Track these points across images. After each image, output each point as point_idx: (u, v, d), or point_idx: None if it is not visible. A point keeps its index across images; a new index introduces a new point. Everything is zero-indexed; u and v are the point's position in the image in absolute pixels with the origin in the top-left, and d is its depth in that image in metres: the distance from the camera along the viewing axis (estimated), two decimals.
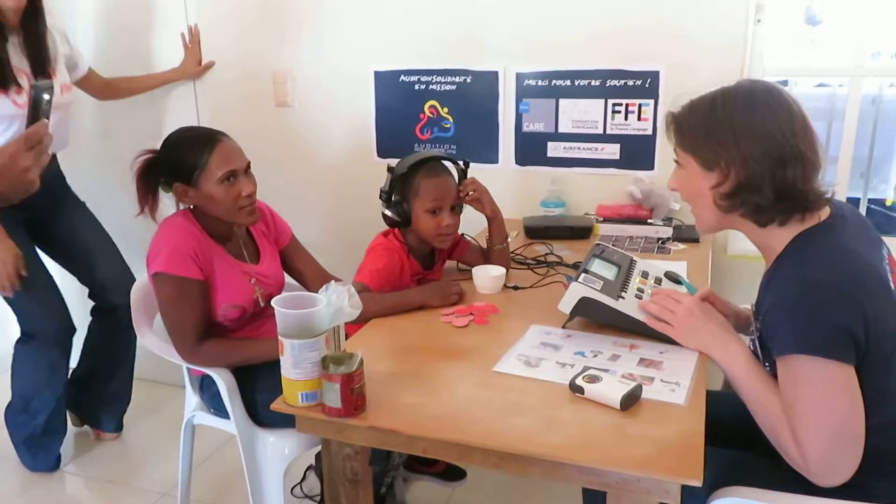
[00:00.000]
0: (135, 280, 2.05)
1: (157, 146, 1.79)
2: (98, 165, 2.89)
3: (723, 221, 1.32)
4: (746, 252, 2.29)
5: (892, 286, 1.24)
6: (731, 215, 1.28)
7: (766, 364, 1.30)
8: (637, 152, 2.39)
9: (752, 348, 1.36)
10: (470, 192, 1.88)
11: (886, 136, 2.99)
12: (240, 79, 2.77)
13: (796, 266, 1.21)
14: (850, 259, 1.19)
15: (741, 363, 1.29)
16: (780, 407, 1.21)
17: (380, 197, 1.84)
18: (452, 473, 2.25)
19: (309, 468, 2.30)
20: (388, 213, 1.82)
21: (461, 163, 1.92)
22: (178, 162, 1.72)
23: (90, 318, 2.61)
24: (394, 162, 1.85)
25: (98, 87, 2.59)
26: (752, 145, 1.21)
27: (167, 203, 1.82)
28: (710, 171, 1.27)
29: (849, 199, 2.54)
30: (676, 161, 1.37)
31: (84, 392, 2.64)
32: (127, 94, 2.70)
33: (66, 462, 2.54)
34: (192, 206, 1.78)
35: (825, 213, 1.27)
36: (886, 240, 1.35)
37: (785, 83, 3.02)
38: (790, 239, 1.25)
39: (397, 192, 1.80)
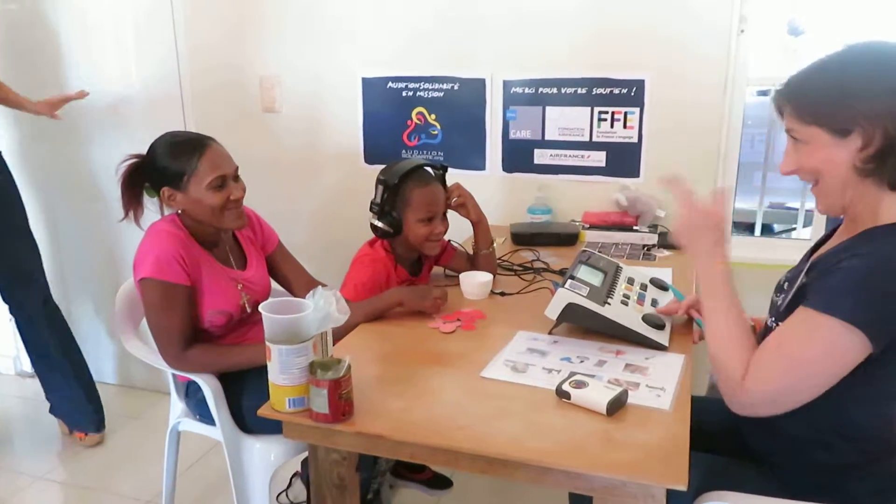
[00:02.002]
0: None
1: (143, 151, 1.79)
2: (83, 171, 2.87)
3: (853, 192, 1.19)
4: (733, 259, 2.31)
5: None
6: (865, 182, 1.17)
7: (778, 323, 1.26)
8: (623, 160, 2.41)
9: (777, 303, 1.33)
10: (455, 199, 1.89)
11: None
12: (227, 84, 2.76)
13: (891, 239, 1.15)
14: None
15: (718, 281, 1.27)
16: (746, 333, 1.20)
17: (371, 209, 1.84)
18: (439, 482, 2.25)
19: (295, 475, 2.29)
20: (378, 223, 1.82)
21: (441, 168, 1.93)
22: (167, 167, 1.71)
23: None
24: (380, 171, 1.85)
25: None
26: (888, 101, 1.10)
27: (151, 209, 1.81)
28: (845, 138, 1.14)
29: None
30: (794, 138, 1.22)
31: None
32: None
33: (50, 469, 2.51)
34: (179, 211, 1.77)
35: None
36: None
37: (767, 93, 3.05)
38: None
39: (388, 202, 1.81)
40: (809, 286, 1.20)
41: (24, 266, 2.52)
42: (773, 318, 1.32)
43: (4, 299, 2.53)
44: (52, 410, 2.69)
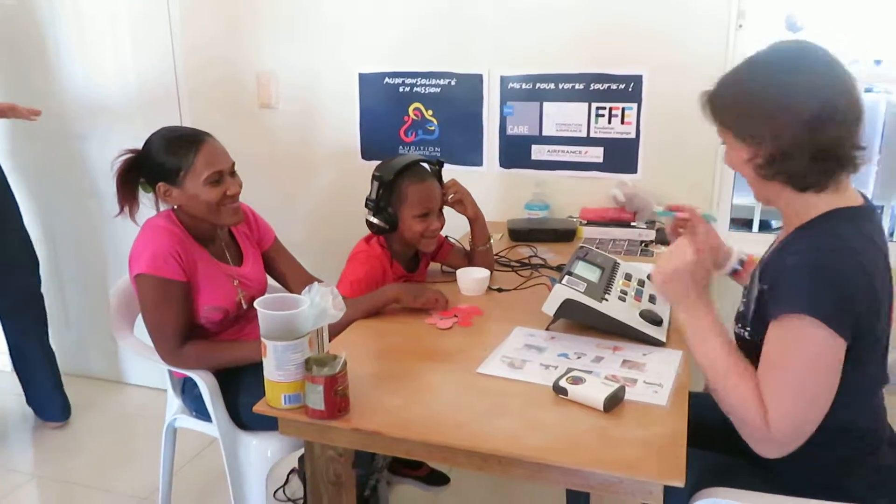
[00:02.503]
0: None
1: (138, 147, 1.78)
2: (78, 167, 2.86)
3: (767, 190, 1.28)
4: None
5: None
6: (772, 183, 1.25)
7: (748, 329, 1.30)
8: (621, 156, 2.40)
9: (742, 309, 1.36)
10: (451, 195, 1.89)
11: (866, 141, 3.04)
12: (223, 80, 2.75)
13: (830, 236, 1.19)
14: (878, 249, 1.21)
15: (707, 323, 1.27)
16: (747, 368, 1.20)
17: (366, 206, 1.83)
18: (436, 478, 2.25)
19: (292, 472, 2.28)
20: (374, 220, 1.82)
21: (437, 164, 1.92)
22: (163, 162, 1.70)
23: None
24: (376, 167, 1.85)
25: None
26: (781, 115, 1.18)
27: (146, 204, 1.80)
28: (745, 144, 1.24)
29: None
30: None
31: None
32: None
33: (46, 467, 2.50)
34: (174, 207, 1.77)
35: (856, 198, 1.26)
36: None
37: None
38: (824, 210, 1.23)
39: (384, 198, 1.80)
40: (768, 295, 1.22)
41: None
42: (740, 326, 1.34)
43: None
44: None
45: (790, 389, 1.14)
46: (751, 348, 1.28)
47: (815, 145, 1.17)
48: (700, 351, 1.26)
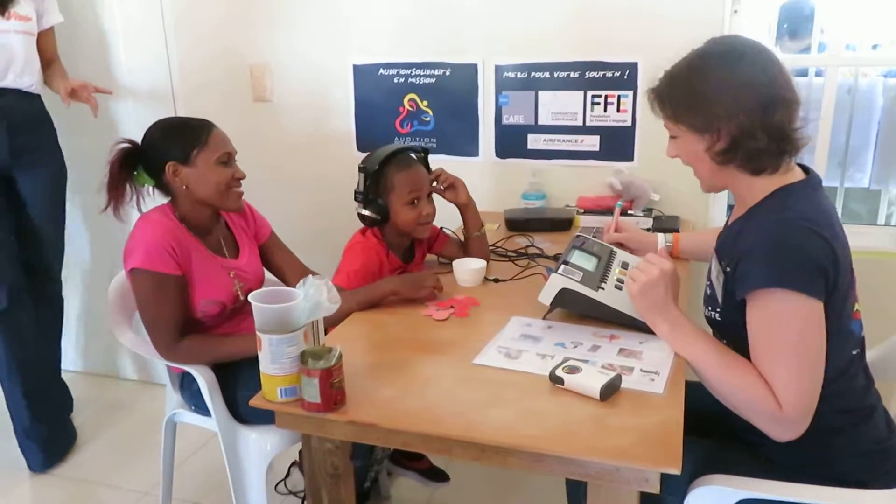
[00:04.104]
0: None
1: (132, 141, 1.77)
2: (72, 162, 2.85)
3: (722, 177, 1.34)
4: None
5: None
6: (728, 168, 1.31)
7: (719, 311, 1.34)
8: (617, 144, 2.40)
9: (709, 292, 1.40)
10: (443, 182, 1.89)
11: (862, 126, 3.03)
12: (217, 73, 2.74)
13: (778, 210, 1.26)
14: (826, 211, 1.27)
15: (690, 326, 1.33)
16: (738, 358, 1.24)
17: (355, 198, 1.83)
18: (435, 474, 2.24)
19: (293, 464, 2.28)
20: (365, 212, 1.82)
21: (422, 151, 1.93)
22: (175, 141, 1.73)
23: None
24: (361, 160, 1.84)
25: (46, 57, 2.44)
26: (736, 101, 1.24)
27: (130, 204, 1.80)
28: (702, 135, 1.29)
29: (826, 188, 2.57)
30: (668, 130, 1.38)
31: None
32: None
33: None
34: (171, 199, 1.77)
35: (800, 173, 1.33)
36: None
37: None
38: (771, 190, 1.30)
39: (372, 189, 1.80)
40: (733, 276, 1.27)
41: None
42: (710, 308, 1.38)
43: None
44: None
45: (788, 363, 1.18)
46: (723, 329, 1.35)
47: (771, 125, 1.24)
48: (692, 354, 1.30)
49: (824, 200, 1.30)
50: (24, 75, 2.29)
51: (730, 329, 1.31)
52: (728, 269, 1.29)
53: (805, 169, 1.35)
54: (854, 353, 1.31)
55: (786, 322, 1.19)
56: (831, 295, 1.20)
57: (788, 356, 1.18)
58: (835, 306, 1.22)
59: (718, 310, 1.34)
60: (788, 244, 1.20)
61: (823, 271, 1.18)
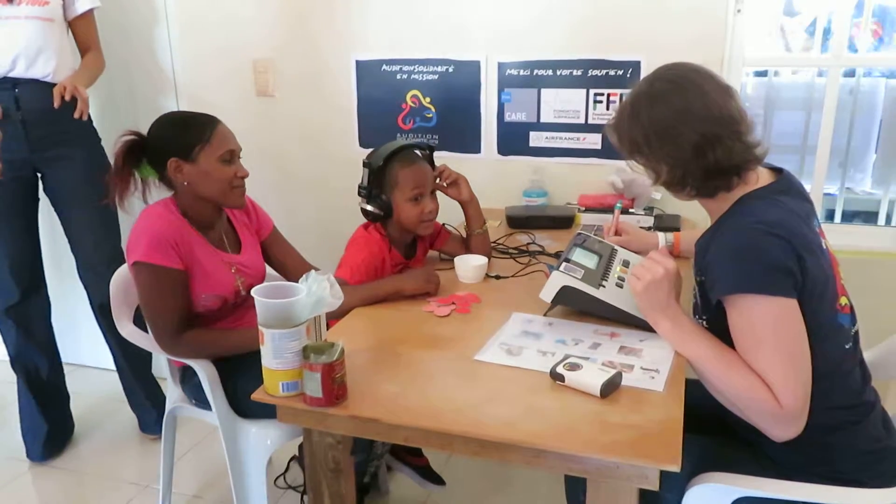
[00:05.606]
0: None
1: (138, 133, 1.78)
2: None
3: (685, 198, 1.40)
4: None
5: (823, 247, 1.31)
6: (685, 192, 1.37)
7: (704, 317, 1.36)
8: None
9: (696, 301, 1.41)
10: (446, 178, 1.89)
11: (864, 127, 3.03)
12: (220, 68, 2.74)
13: (736, 217, 1.30)
14: (785, 212, 1.27)
15: (690, 324, 1.35)
16: (738, 356, 1.24)
17: (359, 193, 1.83)
18: (432, 475, 2.24)
19: (292, 459, 2.29)
20: (368, 207, 1.82)
21: (427, 148, 1.92)
22: (178, 137, 1.72)
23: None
24: (366, 155, 1.84)
25: (82, 45, 2.37)
26: (664, 148, 1.31)
27: (135, 196, 1.80)
28: (648, 171, 1.38)
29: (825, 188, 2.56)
30: None
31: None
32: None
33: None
34: (174, 193, 1.77)
35: (767, 178, 1.36)
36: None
37: (764, 74, 3.04)
38: (738, 197, 1.33)
39: (376, 185, 1.80)
40: (706, 285, 1.31)
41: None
42: (698, 316, 1.40)
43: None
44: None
45: (776, 359, 1.19)
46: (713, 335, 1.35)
47: (705, 166, 1.28)
48: (693, 352, 1.31)
49: (790, 202, 1.31)
50: (37, 64, 2.19)
51: (718, 335, 1.31)
52: (701, 278, 1.33)
53: (778, 170, 1.39)
54: (847, 346, 1.31)
55: (760, 324, 1.21)
56: (804, 291, 1.21)
57: (772, 355, 1.19)
58: (812, 302, 1.23)
59: (705, 318, 1.36)
60: (746, 249, 1.23)
61: (786, 270, 1.19)
